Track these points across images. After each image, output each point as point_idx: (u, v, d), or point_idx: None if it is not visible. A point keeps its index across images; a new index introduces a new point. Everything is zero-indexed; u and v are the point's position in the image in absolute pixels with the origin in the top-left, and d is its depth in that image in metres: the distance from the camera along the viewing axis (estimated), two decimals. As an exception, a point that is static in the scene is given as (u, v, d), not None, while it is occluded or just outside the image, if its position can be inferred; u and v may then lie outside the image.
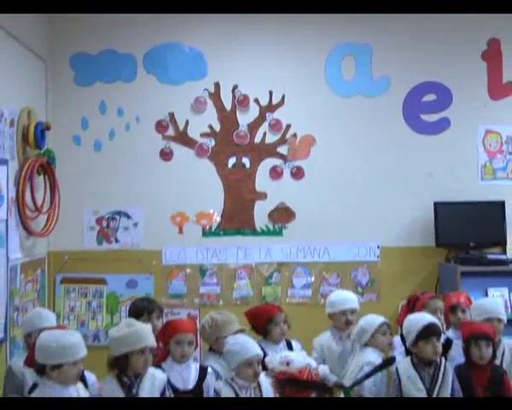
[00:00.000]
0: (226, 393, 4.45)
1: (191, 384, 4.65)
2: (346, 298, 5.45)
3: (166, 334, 4.77)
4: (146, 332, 4.32)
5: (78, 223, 6.82)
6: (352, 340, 5.16)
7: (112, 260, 6.78)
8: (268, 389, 4.51)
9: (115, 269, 6.78)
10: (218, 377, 4.74)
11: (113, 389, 4.19)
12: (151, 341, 4.31)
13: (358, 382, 4.61)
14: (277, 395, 4.50)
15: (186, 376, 4.67)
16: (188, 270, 6.85)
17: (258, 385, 4.52)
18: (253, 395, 4.46)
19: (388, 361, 4.73)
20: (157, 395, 4.29)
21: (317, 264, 6.81)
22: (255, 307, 5.58)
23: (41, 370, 3.88)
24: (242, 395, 4.44)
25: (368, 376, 4.64)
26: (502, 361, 4.89)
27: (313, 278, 6.81)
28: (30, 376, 4.38)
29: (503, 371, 4.72)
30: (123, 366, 4.24)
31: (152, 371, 4.35)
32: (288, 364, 4.66)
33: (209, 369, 4.76)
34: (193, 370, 4.72)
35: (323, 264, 6.82)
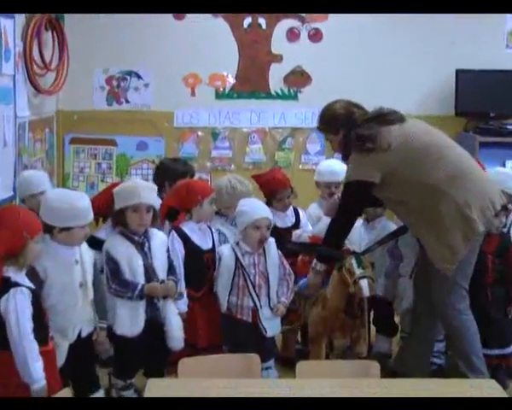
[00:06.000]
0: (227, 258, 4.50)
1: (210, 244, 4.67)
2: (333, 170, 5.26)
3: (195, 195, 4.63)
4: (143, 189, 4.29)
5: (88, 82, 6.77)
6: None
7: (122, 122, 6.78)
8: (274, 256, 4.57)
9: (125, 130, 6.78)
10: (225, 240, 4.75)
11: (124, 247, 4.21)
12: (147, 198, 4.26)
13: (371, 249, 4.63)
14: (285, 260, 4.57)
15: (206, 236, 4.69)
16: (200, 133, 6.85)
17: (264, 252, 4.54)
18: (256, 262, 4.50)
19: (401, 230, 4.74)
20: (164, 254, 4.35)
21: (331, 130, 6.73)
22: (264, 175, 5.42)
23: (47, 230, 3.83)
24: (245, 261, 4.48)
25: (380, 243, 4.68)
26: (509, 230, 4.88)
27: (327, 144, 6.73)
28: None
29: (510, 238, 4.77)
30: (120, 221, 4.26)
31: (154, 230, 4.37)
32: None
33: (213, 229, 4.76)
34: (207, 231, 4.75)
35: (339, 130, 6.73)
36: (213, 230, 4.75)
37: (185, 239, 4.58)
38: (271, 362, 4.55)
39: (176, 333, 4.32)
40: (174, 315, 4.34)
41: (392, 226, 4.97)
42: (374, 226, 5.03)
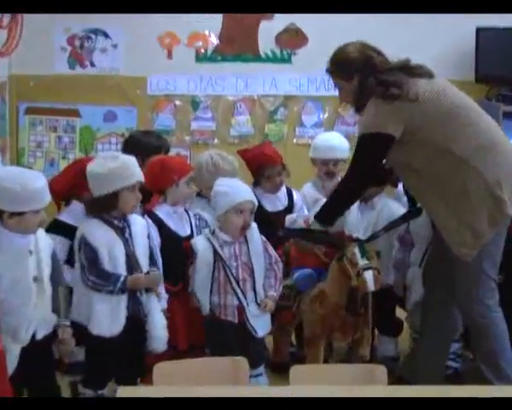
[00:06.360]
0: (203, 251, 4.40)
1: (188, 231, 4.63)
2: (331, 145, 5.27)
3: (170, 173, 4.60)
4: (135, 165, 4.21)
5: (47, 42, 6.72)
6: None
7: (86, 88, 6.74)
8: (257, 243, 4.49)
9: (90, 99, 6.75)
10: (206, 226, 4.67)
11: (103, 232, 4.14)
12: (141, 175, 4.21)
13: (376, 236, 4.58)
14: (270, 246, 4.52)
15: (183, 221, 4.65)
16: (177, 102, 6.83)
17: (246, 240, 4.47)
18: (237, 253, 4.43)
19: (412, 213, 4.70)
20: (146, 241, 4.29)
21: (331, 98, 6.49)
22: (251, 150, 5.39)
23: None
24: (224, 253, 4.39)
25: (387, 229, 4.62)
26: None
27: (326, 115, 6.74)
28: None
29: None
30: (111, 205, 4.13)
31: (133, 214, 4.29)
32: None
33: (191, 214, 4.70)
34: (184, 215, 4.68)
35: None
36: (191, 214, 4.67)
37: (160, 225, 4.50)
38: (261, 368, 4.46)
39: (159, 332, 4.23)
40: (158, 312, 4.27)
41: (395, 205, 4.92)
42: (373, 206, 4.97)
